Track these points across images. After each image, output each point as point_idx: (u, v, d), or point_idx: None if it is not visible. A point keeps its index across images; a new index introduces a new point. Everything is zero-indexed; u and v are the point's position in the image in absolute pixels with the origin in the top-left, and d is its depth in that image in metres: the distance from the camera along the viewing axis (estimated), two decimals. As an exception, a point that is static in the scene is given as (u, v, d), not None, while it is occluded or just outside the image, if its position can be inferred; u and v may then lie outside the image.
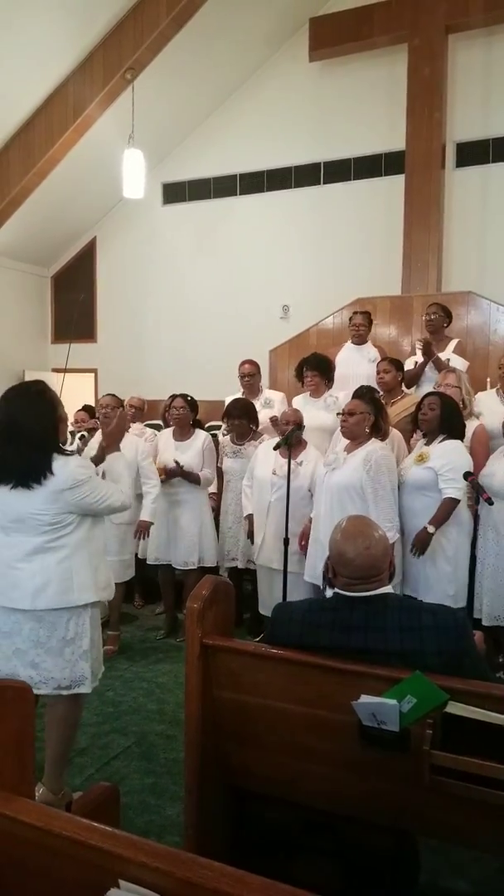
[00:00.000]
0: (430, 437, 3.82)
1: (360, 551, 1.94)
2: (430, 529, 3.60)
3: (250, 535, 4.45)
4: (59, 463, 2.44)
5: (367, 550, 1.94)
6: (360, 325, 5.45)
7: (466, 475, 3.59)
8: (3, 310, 8.77)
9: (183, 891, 1.08)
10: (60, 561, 2.48)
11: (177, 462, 4.46)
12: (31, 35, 6.05)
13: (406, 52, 6.95)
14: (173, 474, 4.47)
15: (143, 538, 4.41)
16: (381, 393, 4.67)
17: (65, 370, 7.41)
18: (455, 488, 3.59)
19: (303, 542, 4.03)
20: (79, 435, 4.37)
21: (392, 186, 7.32)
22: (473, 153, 7.16)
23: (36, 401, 2.48)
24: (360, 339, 5.46)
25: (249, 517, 4.42)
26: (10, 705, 1.41)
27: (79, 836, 1.17)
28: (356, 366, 5.27)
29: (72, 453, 2.58)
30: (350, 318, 5.63)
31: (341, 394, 4.80)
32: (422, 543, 3.61)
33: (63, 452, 2.50)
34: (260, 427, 4.86)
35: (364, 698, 1.79)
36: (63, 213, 8.53)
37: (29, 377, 8.31)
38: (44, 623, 2.47)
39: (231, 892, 1.03)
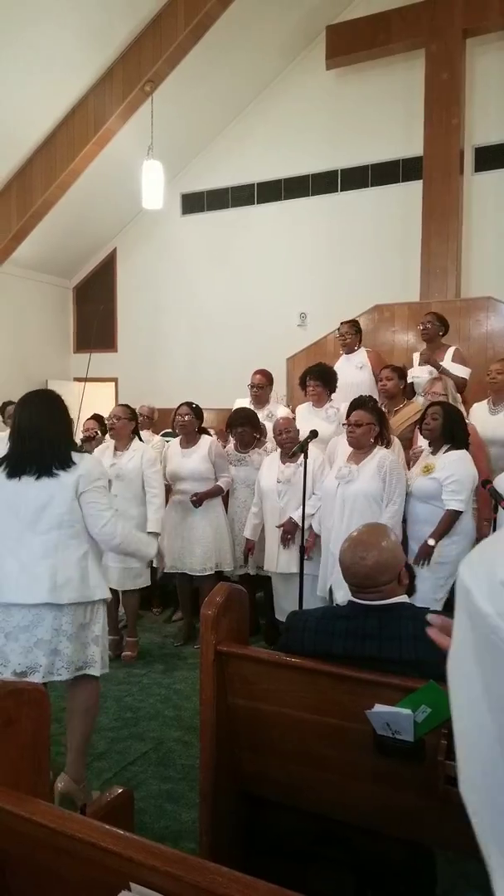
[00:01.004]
0: (435, 447, 3.86)
1: (357, 560, 1.97)
2: (431, 542, 3.67)
3: (245, 557, 4.55)
4: (77, 456, 2.69)
5: (363, 560, 1.96)
6: (346, 333, 5.51)
7: (485, 483, 3.62)
8: (26, 320, 8.90)
9: (192, 895, 1.09)
10: (80, 558, 2.65)
11: (195, 495, 4.48)
12: (52, 51, 6.16)
13: (423, 57, 6.96)
14: (198, 504, 4.50)
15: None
16: (384, 401, 4.70)
17: (85, 379, 7.51)
18: (458, 500, 3.64)
19: (309, 555, 4.05)
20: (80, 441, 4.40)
21: (410, 193, 7.32)
22: (492, 157, 7.15)
23: (53, 404, 2.75)
24: (347, 349, 5.53)
25: (248, 540, 4.50)
26: (26, 708, 1.44)
27: (91, 838, 1.19)
28: (347, 375, 5.31)
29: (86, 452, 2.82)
30: (337, 329, 5.65)
31: (342, 405, 4.80)
32: (424, 556, 3.68)
33: (79, 450, 2.74)
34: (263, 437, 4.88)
35: (378, 707, 1.79)
36: (84, 225, 8.65)
37: (52, 387, 8.42)
38: (65, 611, 2.61)
39: (239, 897, 1.04)
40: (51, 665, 2.60)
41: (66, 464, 2.64)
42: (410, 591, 2.10)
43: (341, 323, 5.66)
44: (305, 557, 4.02)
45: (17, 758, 1.40)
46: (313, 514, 4.04)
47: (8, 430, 5.30)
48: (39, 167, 7.11)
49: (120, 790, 1.77)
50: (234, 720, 2.10)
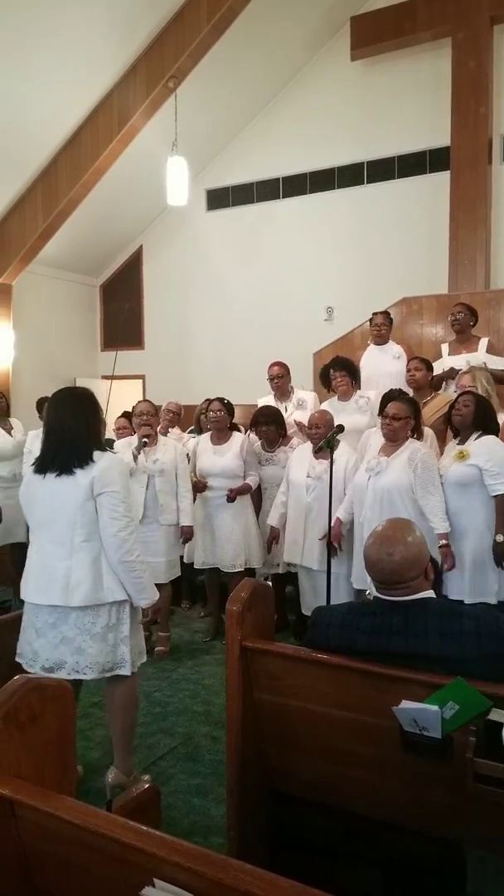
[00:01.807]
0: (463, 436, 3.82)
1: (383, 556, 1.93)
2: (500, 538, 3.59)
3: (268, 546, 4.50)
4: (98, 454, 2.64)
5: (389, 556, 1.93)
6: (382, 325, 5.46)
7: None
8: (54, 319, 8.99)
9: (215, 891, 1.08)
10: (93, 560, 2.61)
11: (230, 491, 4.50)
12: (75, 51, 6.18)
13: (450, 46, 6.85)
14: (232, 500, 4.51)
15: (188, 539, 4.47)
16: (412, 392, 4.66)
17: (112, 377, 7.57)
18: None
19: (335, 542, 4.01)
20: (139, 443, 4.37)
21: (437, 183, 7.21)
22: (521, 146, 7.01)
23: (81, 402, 2.71)
24: (381, 340, 5.47)
25: (272, 528, 4.45)
26: (51, 704, 1.44)
27: (114, 834, 1.19)
28: (382, 365, 5.26)
29: (109, 451, 2.77)
30: (370, 319, 5.60)
31: (372, 393, 4.78)
32: (501, 556, 3.60)
33: (103, 450, 2.69)
34: (289, 431, 4.85)
35: (405, 704, 1.76)
36: (110, 222, 8.69)
37: (80, 384, 8.50)
38: (87, 612, 2.60)
39: (261, 895, 1.03)
40: (76, 664, 2.61)
41: (85, 462, 2.60)
42: (437, 585, 2.06)
43: (375, 313, 5.60)
44: (336, 553, 4.00)
45: (42, 754, 1.41)
46: (350, 520, 4.01)
47: (40, 428, 5.37)
48: (64, 166, 7.16)
49: (146, 785, 1.77)
50: (260, 716, 2.09)
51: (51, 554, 2.62)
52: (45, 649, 2.63)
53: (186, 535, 4.42)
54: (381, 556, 1.95)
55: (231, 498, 4.50)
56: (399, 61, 7.42)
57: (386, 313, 5.61)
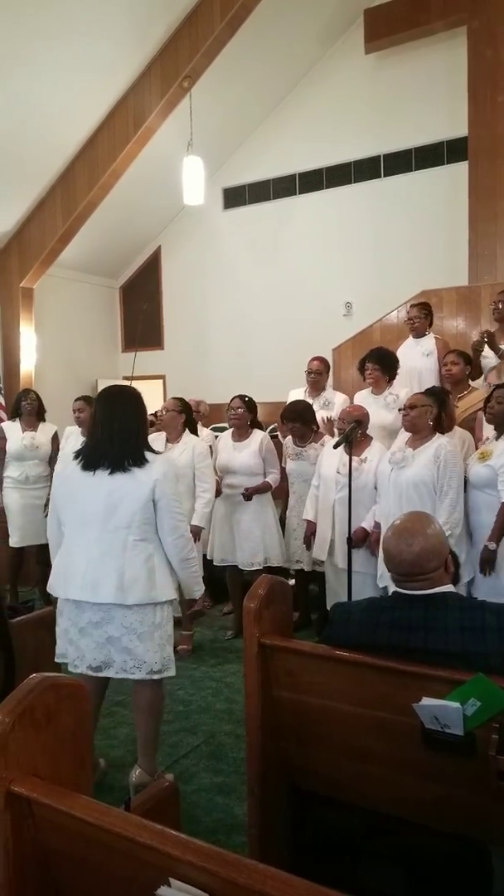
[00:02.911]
0: (498, 432, 3.71)
1: (403, 548, 1.90)
2: (491, 546, 3.49)
3: (307, 540, 4.44)
4: (151, 455, 2.66)
5: (409, 548, 1.90)
6: (416, 317, 5.31)
7: None
8: (75, 321, 9.06)
9: (230, 891, 1.07)
10: (146, 560, 2.61)
11: (246, 489, 4.48)
12: (90, 55, 6.22)
13: (464, 35, 6.78)
14: (248, 499, 4.50)
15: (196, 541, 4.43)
16: (449, 387, 4.57)
17: (132, 377, 7.59)
18: None
19: (370, 543, 3.97)
20: None
21: (455, 174, 7.15)
22: (541, 134, 6.89)
23: (131, 401, 2.73)
24: (416, 332, 5.34)
25: (309, 522, 4.39)
26: (67, 702, 1.44)
27: (129, 833, 1.18)
28: (411, 360, 5.16)
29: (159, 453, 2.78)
30: (407, 311, 5.51)
31: (402, 391, 4.69)
32: (486, 563, 3.52)
33: (153, 450, 2.69)
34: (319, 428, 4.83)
35: (426, 700, 1.74)
36: (128, 224, 8.74)
37: (101, 385, 8.54)
38: (134, 610, 2.59)
39: (275, 895, 1.02)
40: (124, 663, 2.61)
41: (140, 461, 2.60)
42: (456, 579, 2.03)
43: (411, 305, 5.53)
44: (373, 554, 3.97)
45: (58, 752, 1.41)
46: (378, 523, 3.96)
47: (74, 426, 5.38)
48: (82, 169, 7.21)
49: (165, 784, 1.77)
50: (279, 713, 2.08)
51: (102, 552, 2.59)
52: (90, 649, 2.63)
53: (193, 533, 4.33)
54: (400, 548, 1.93)
55: (247, 497, 4.47)
56: (414, 52, 7.36)
57: (422, 305, 5.46)
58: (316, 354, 5.41)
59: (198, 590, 2.86)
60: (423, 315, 5.34)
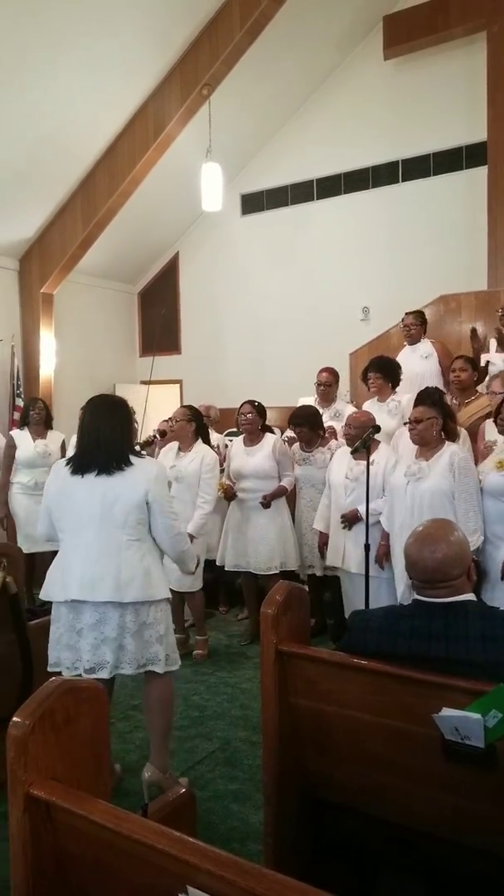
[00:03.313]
0: None
1: (426, 554, 1.89)
2: None
3: (321, 551, 4.44)
4: (135, 458, 2.75)
5: (432, 554, 1.88)
6: (411, 324, 5.40)
7: None
8: (94, 326, 9.12)
9: (248, 900, 1.06)
10: (141, 558, 2.69)
11: (264, 497, 4.49)
12: (111, 63, 6.27)
13: (484, 40, 6.77)
14: (267, 506, 4.51)
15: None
16: (456, 392, 4.57)
17: (149, 382, 7.63)
18: None
19: (384, 563, 3.96)
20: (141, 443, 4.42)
21: (474, 179, 7.12)
22: None
23: (115, 408, 2.84)
24: (411, 339, 5.41)
25: (321, 533, 4.39)
26: (86, 706, 1.44)
27: (147, 839, 1.18)
28: (411, 365, 5.18)
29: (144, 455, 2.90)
30: (402, 319, 5.52)
31: (404, 397, 4.72)
32: None
33: (138, 455, 2.80)
34: (326, 434, 4.82)
35: (446, 711, 1.72)
36: (147, 230, 8.79)
37: (119, 390, 8.61)
38: (128, 609, 2.66)
39: (294, 905, 1.01)
40: (117, 661, 2.66)
41: (124, 464, 2.69)
42: (478, 588, 2.01)
43: (406, 313, 5.55)
44: (378, 563, 3.95)
45: (77, 756, 1.41)
46: (380, 513, 3.95)
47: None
48: (102, 176, 7.26)
49: (182, 790, 1.76)
50: (296, 721, 2.07)
51: (98, 552, 2.66)
52: (85, 651, 2.66)
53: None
54: (423, 554, 1.91)
55: (266, 504, 4.48)
56: (433, 58, 7.35)
57: (417, 313, 5.53)
58: (328, 363, 5.39)
59: (190, 566, 3.11)
60: (418, 322, 5.42)
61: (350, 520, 4.07)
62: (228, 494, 4.62)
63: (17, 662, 2.95)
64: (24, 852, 1.33)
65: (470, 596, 1.93)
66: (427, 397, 3.76)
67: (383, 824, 1.95)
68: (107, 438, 2.73)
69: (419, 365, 5.24)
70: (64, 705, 1.41)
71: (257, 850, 2.39)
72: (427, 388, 4.13)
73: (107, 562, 2.64)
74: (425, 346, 5.39)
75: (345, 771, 2.00)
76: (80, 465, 2.74)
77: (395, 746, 1.87)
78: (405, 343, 5.53)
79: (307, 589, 4.64)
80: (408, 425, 3.74)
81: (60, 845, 1.36)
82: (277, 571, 4.51)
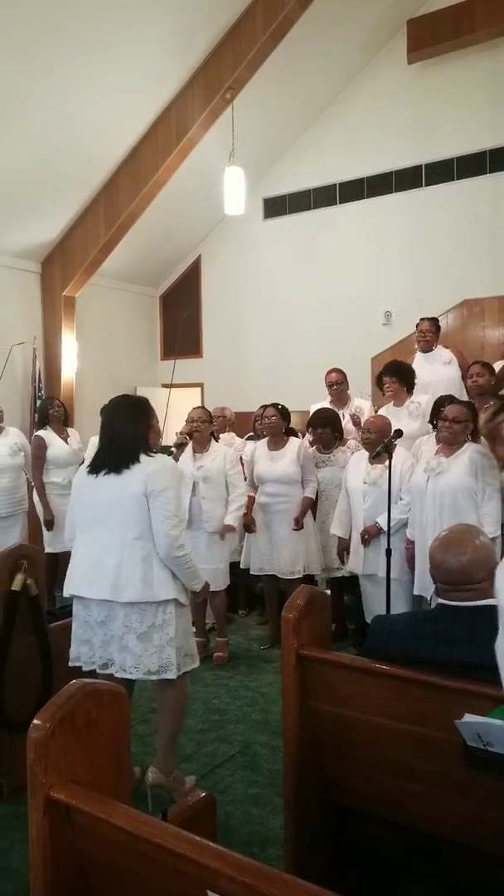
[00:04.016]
0: None
1: (451, 557, 1.88)
2: None
3: (340, 556, 4.43)
4: (145, 457, 2.73)
5: (457, 557, 1.87)
6: (427, 331, 5.34)
7: None
8: (116, 329, 9.18)
9: (268, 906, 1.05)
10: (143, 558, 2.66)
11: (295, 521, 4.50)
12: (134, 68, 6.31)
13: (510, 43, 6.69)
14: (299, 528, 4.52)
15: (222, 538, 4.41)
16: (474, 398, 4.54)
17: (171, 385, 7.65)
18: None
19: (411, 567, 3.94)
20: (171, 448, 4.44)
21: (499, 183, 7.07)
22: None
23: (132, 408, 2.83)
24: (426, 346, 5.35)
25: (340, 539, 4.39)
26: (107, 708, 1.44)
27: (167, 843, 1.17)
28: (432, 372, 5.14)
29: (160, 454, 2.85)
30: (417, 325, 5.47)
31: (424, 398, 4.69)
32: None
33: (150, 455, 2.75)
34: (346, 436, 4.81)
35: (468, 717, 1.70)
36: (169, 234, 8.83)
37: (140, 393, 8.59)
38: (135, 609, 2.65)
39: (315, 912, 1.00)
40: (123, 661, 2.66)
41: (131, 462, 2.70)
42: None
43: (422, 319, 5.50)
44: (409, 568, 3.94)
45: (97, 759, 1.41)
46: (403, 519, 3.94)
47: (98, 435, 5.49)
48: (125, 180, 7.31)
49: (202, 794, 1.75)
50: (317, 726, 2.05)
51: (101, 550, 2.69)
52: (97, 647, 2.71)
53: (223, 531, 4.33)
54: (448, 556, 1.90)
55: (299, 527, 4.50)
56: (457, 62, 7.30)
57: (433, 320, 5.49)
58: (334, 367, 5.36)
59: (196, 583, 2.81)
60: (434, 329, 5.36)
61: (371, 535, 4.05)
62: (247, 528, 4.65)
63: (38, 664, 2.96)
64: (43, 855, 1.33)
65: (494, 600, 1.90)
66: (464, 402, 3.80)
67: (404, 830, 1.93)
68: (118, 437, 2.76)
69: (440, 371, 5.20)
70: (85, 708, 1.41)
71: (277, 855, 2.38)
72: (442, 396, 4.16)
73: (108, 559, 2.66)
74: (443, 352, 5.33)
75: (365, 776, 1.98)
76: (94, 464, 2.79)
77: (416, 752, 1.85)
78: (416, 348, 5.46)
79: (328, 592, 4.62)
80: (443, 423, 3.75)
81: (80, 848, 1.36)
82: (300, 576, 4.49)
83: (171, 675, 2.69)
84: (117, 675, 2.64)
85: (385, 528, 3.93)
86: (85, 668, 2.71)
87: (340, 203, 8.31)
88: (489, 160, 7.27)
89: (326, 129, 8.27)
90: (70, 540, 2.94)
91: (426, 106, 7.55)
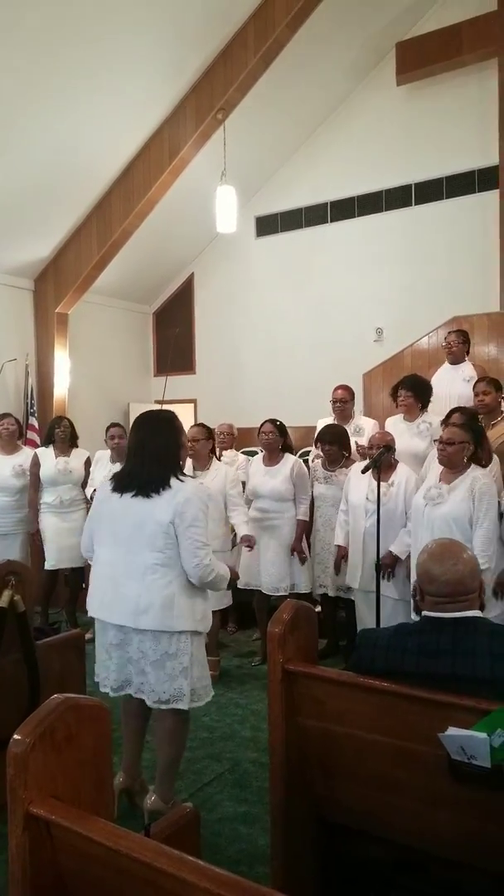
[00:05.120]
0: None
1: (447, 567, 1.88)
2: None
3: (337, 566, 4.40)
4: (176, 481, 2.64)
5: (454, 567, 1.87)
6: (452, 343, 5.30)
7: None
8: (109, 346, 9.20)
9: (247, 921, 1.05)
10: (166, 585, 2.59)
11: (292, 551, 4.54)
12: (127, 88, 6.39)
13: (496, 67, 6.81)
14: (304, 560, 4.59)
15: (251, 549, 4.38)
16: (481, 415, 4.50)
17: (163, 401, 7.67)
18: None
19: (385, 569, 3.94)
20: None
21: (486, 203, 7.15)
22: None
23: (163, 426, 2.75)
24: (453, 359, 5.31)
25: (340, 547, 4.35)
26: (87, 724, 1.44)
27: (146, 858, 1.17)
28: (450, 385, 5.12)
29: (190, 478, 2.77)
30: (445, 338, 5.49)
31: (435, 419, 4.62)
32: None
33: (181, 476, 2.68)
34: (351, 455, 4.81)
35: (451, 730, 1.69)
36: (162, 251, 8.89)
37: (133, 409, 8.65)
38: (148, 635, 2.59)
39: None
40: (140, 684, 2.63)
41: (162, 487, 2.61)
42: (481, 606, 1.99)
43: (449, 332, 5.50)
44: (384, 578, 3.92)
45: (78, 774, 1.40)
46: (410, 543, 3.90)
47: (106, 450, 5.48)
48: (118, 198, 7.37)
49: (187, 809, 1.74)
50: (304, 741, 2.05)
51: (123, 573, 2.62)
52: (113, 669, 2.68)
53: (246, 542, 4.26)
54: (445, 567, 1.90)
55: (303, 559, 4.55)
56: (445, 83, 7.43)
57: (459, 332, 5.44)
58: (341, 382, 5.39)
59: (224, 585, 2.82)
60: (461, 341, 5.31)
61: (389, 565, 3.98)
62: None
63: (25, 682, 2.94)
64: (23, 870, 1.32)
65: (478, 612, 1.91)
66: (461, 423, 3.69)
67: (392, 846, 1.92)
68: (150, 459, 2.67)
69: (460, 387, 5.11)
70: (65, 723, 1.40)
71: (266, 874, 2.35)
72: (456, 408, 4.05)
73: (129, 585, 2.59)
74: (468, 368, 5.25)
75: (353, 792, 1.97)
76: (120, 483, 2.71)
77: (402, 767, 1.84)
78: (446, 361, 5.41)
79: (319, 609, 4.61)
80: (437, 444, 3.68)
81: (60, 863, 1.35)
82: (286, 593, 4.47)
83: (183, 705, 2.62)
84: (136, 695, 2.62)
85: (401, 556, 3.91)
86: (101, 689, 2.69)
87: (332, 221, 8.39)
88: (477, 179, 7.37)
89: (317, 149, 8.37)
90: (87, 551, 2.88)
91: (415, 127, 7.66)
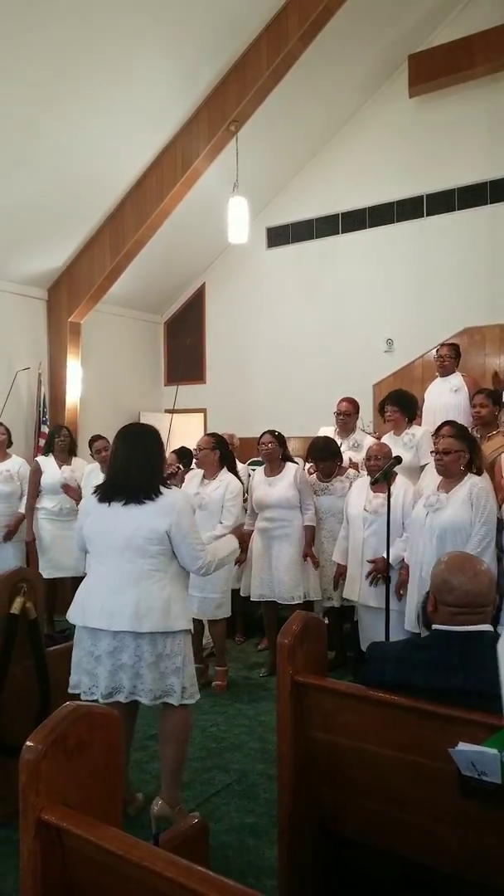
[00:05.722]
0: None
1: (468, 577, 1.87)
2: None
3: (335, 583, 4.44)
4: (165, 489, 2.76)
5: (476, 577, 1.87)
6: (444, 356, 5.42)
7: None
8: (120, 355, 9.26)
9: (255, 932, 1.05)
10: (162, 589, 2.68)
11: (305, 556, 4.57)
12: (141, 101, 6.47)
13: (509, 78, 6.85)
14: (317, 565, 4.61)
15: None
16: (476, 427, 4.54)
17: (173, 411, 7.71)
18: None
19: (401, 592, 3.92)
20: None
21: (498, 214, 7.19)
22: None
23: (146, 437, 2.86)
24: (444, 371, 5.42)
25: (339, 564, 4.39)
26: (99, 732, 1.45)
27: (156, 867, 1.17)
28: (438, 397, 5.18)
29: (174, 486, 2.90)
30: (436, 351, 5.54)
31: (419, 430, 4.71)
32: None
33: (167, 485, 2.80)
34: (344, 464, 4.82)
35: (462, 746, 1.69)
36: (173, 262, 8.95)
37: (144, 418, 8.69)
38: (145, 639, 2.65)
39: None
40: (133, 687, 2.67)
41: (153, 494, 2.70)
42: (496, 620, 1.99)
43: (440, 345, 5.58)
44: (396, 594, 3.92)
45: (89, 782, 1.41)
46: (405, 552, 3.91)
47: (95, 463, 5.53)
48: (130, 209, 7.44)
49: (195, 820, 1.75)
50: (312, 754, 2.05)
51: (118, 580, 2.67)
52: (103, 677, 2.67)
53: (241, 537, 4.06)
54: (466, 577, 1.89)
55: (315, 560, 4.56)
56: (457, 95, 7.46)
57: (451, 345, 5.59)
58: (351, 393, 5.41)
59: (234, 556, 3.09)
60: (452, 355, 5.43)
61: (380, 570, 4.00)
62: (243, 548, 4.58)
63: (36, 689, 2.96)
64: (33, 877, 1.33)
65: (488, 627, 1.91)
66: (457, 430, 3.72)
67: (400, 861, 1.91)
68: (137, 467, 2.75)
69: (448, 398, 5.24)
70: (77, 731, 1.42)
71: (273, 886, 2.34)
72: (446, 422, 4.10)
73: (127, 591, 2.65)
74: (456, 379, 5.39)
75: (361, 806, 1.97)
76: (106, 493, 2.77)
77: (411, 781, 1.84)
78: (437, 374, 5.52)
79: (326, 621, 4.60)
80: (434, 455, 3.71)
81: (70, 871, 1.36)
82: (301, 601, 4.48)
83: (174, 700, 2.69)
84: (125, 700, 2.65)
85: (392, 564, 3.91)
86: (83, 698, 2.69)
87: (343, 232, 8.43)
88: (489, 191, 7.39)
89: (329, 161, 8.42)
90: (77, 561, 2.97)
91: (427, 138, 7.70)
